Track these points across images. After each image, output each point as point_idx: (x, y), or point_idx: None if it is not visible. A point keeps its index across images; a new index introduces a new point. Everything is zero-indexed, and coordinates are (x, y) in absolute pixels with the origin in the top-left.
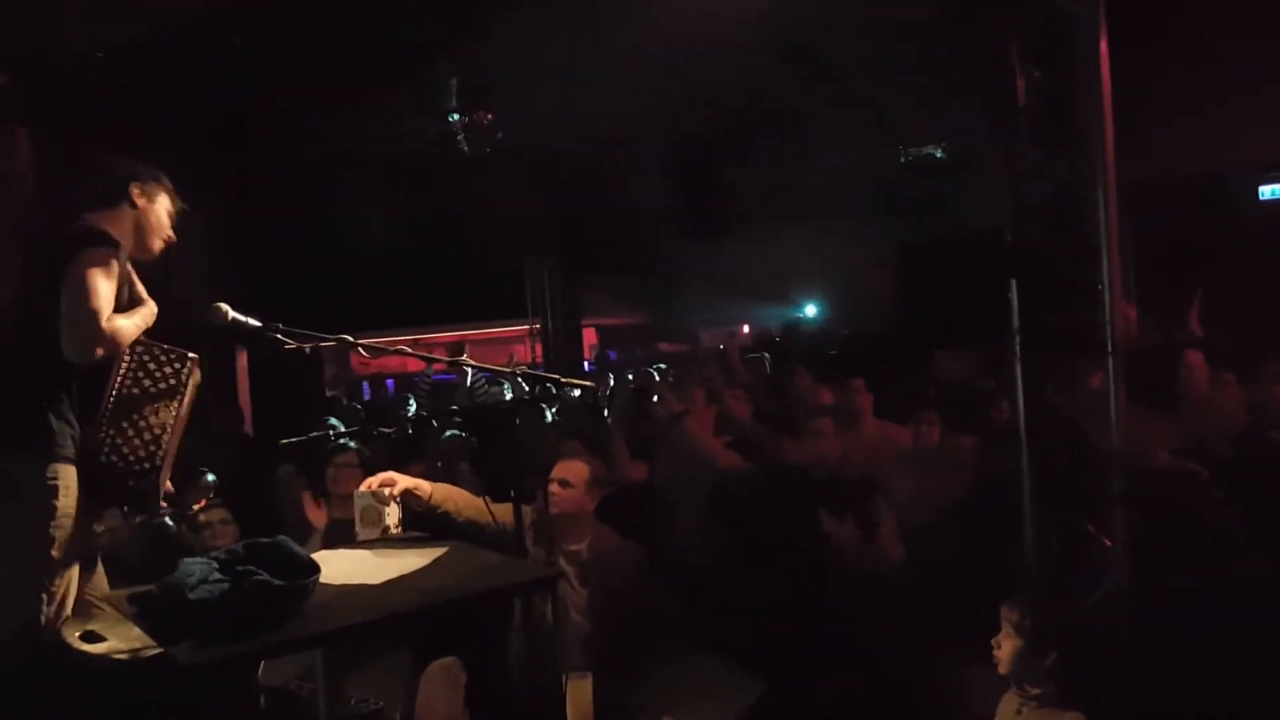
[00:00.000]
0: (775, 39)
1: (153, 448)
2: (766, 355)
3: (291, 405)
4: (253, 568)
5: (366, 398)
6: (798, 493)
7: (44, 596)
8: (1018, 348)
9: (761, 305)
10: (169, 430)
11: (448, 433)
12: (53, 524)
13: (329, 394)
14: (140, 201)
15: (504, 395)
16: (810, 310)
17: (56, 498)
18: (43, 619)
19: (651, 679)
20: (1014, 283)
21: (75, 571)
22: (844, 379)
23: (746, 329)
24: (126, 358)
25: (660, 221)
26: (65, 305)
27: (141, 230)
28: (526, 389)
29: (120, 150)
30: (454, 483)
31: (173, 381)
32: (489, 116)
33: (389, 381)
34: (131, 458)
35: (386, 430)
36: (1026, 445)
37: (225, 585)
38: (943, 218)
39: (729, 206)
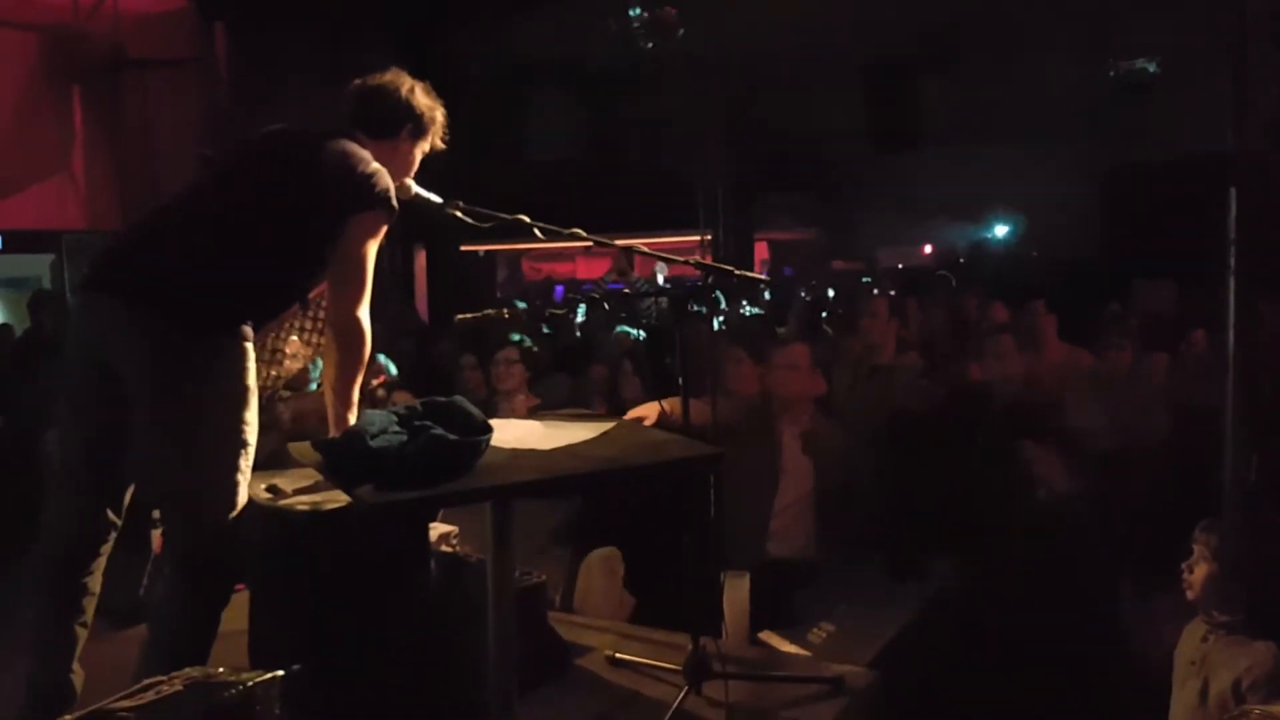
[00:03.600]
0: None
1: None
2: (949, 275)
3: (465, 307)
4: (429, 423)
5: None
6: (980, 413)
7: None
8: (1233, 262)
9: (947, 225)
10: None
11: (618, 329)
12: (246, 409)
13: (499, 297)
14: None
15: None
16: (1000, 231)
17: (248, 378)
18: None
19: (812, 584)
20: (1233, 193)
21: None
22: (1024, 300)
23: (929, 249)
24: None
25: (844, 136)
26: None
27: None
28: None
29: (313, 52)
30: (618, 383)
31: None
32: (672, 11)
33: (558, 288)
34: None
35: (558, 311)
36: (1233, 371)
37: (404, 437)
38: (1150, 138)
39: (918, 123)
